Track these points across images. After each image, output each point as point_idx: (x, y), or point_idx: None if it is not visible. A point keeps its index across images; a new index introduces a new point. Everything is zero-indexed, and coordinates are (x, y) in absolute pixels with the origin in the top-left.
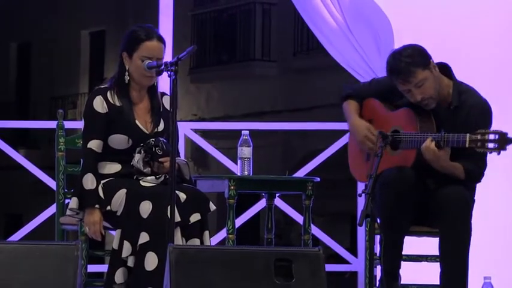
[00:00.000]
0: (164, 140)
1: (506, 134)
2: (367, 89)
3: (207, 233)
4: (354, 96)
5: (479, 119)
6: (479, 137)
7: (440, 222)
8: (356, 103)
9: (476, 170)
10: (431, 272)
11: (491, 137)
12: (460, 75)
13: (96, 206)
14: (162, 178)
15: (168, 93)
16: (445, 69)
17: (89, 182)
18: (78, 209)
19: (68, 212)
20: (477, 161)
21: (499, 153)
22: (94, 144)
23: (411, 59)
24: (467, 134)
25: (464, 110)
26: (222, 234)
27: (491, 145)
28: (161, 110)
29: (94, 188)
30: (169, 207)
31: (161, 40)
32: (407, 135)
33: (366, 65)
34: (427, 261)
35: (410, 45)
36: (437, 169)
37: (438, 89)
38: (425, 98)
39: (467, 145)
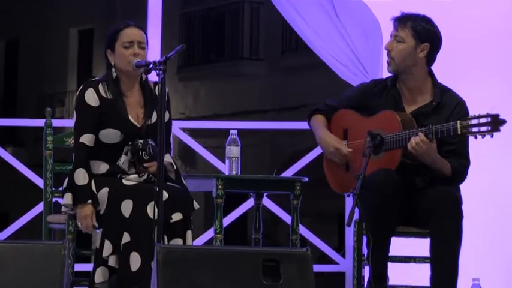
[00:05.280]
0: (153, 144)
1: (498, 115)
2: (336, 101)
3: (189, 232)
4: (321, 110)
5: (465, 116)
6: (471, 122)
7: (432, 223)
8: (322, 117)
9: (462, 167)
10: (420, 273)
11: (483, 120)
12: (441, 71)
13: (89, 201)
14: (145, 177)
15: None
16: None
17: (80, 177)
18: (72, 205)
19: (63, 209)
20: (461, 158)
21: (492, 136)
22: (86, 139)
23: (417, 23)
24: (458, 121)
25: (450, 107)
26: (210, 233)
27: (484, 128)
28: (153, 99)
29: (86, 183)
30: (148, 206)
31: (139, 27)
32: (394, 135)
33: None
34: (415, 263)
35: (434, 24)
36: (428, 163)
37: (405, 66)
38: (390, 52)
39: (459, 132)
